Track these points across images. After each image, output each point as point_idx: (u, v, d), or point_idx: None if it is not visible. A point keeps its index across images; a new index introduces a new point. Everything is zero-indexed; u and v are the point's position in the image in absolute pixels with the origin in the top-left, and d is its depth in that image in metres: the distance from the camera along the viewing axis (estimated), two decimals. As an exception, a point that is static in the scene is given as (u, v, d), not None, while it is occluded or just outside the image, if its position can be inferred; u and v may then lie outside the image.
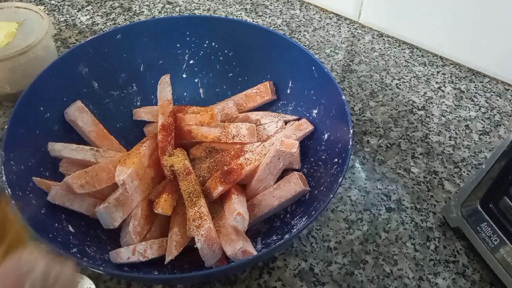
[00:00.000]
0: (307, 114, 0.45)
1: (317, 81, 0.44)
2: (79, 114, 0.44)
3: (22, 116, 0.40)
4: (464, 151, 0.50)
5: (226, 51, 0.50)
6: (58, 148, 0.41)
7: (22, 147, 0.39)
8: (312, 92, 0.45)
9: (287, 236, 0.36)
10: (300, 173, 0.40)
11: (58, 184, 0.39)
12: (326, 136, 0.42)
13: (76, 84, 0.45)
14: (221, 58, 0.50)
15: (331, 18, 0.67)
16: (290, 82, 0.47)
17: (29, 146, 0.40)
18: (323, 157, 0.41)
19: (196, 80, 0.51)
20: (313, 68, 0.43)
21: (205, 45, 0.50)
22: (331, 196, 0.34)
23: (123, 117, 0.48)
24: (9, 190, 0.35)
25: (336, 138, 0.40)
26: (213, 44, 0.50)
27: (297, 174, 0.40)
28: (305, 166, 0.43)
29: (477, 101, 0.56)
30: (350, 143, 0.37)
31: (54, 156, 0.41)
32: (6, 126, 0.38)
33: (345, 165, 0.36)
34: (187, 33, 0.49)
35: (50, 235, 0.35)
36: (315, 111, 0.45)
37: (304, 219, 0.37)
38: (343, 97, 0.40)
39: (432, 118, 0.54)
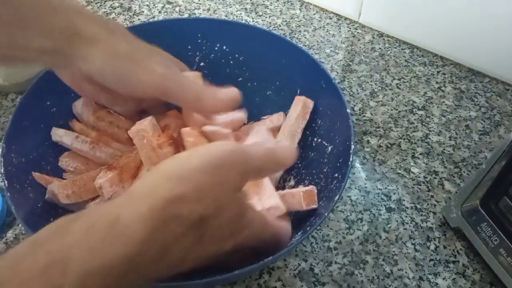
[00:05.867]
0: (313, 124, 0.45)
1: (324, 92, 0.43)
2: (86, 108, 0.44)
3: (28, 109, 0.40)
4: (464, 151, 0.50)
5: (236, 55, 0.49)
6: (60, 134, 0.41)
7: (25, 140, 0.39)
8: (319, 102, 0.44)
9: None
10: (309, 188, 0.38)
11: (58, 180, 0.39)
12: (329, 148, 0.42)
13: None
14: (231, 62, 0.49)
15: (331, 18, 0.67)
16: (299, 90, 0.46)
17: (32, 140, 0.40)
18: (325, 170, 0.41)
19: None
20: (322, 78, 0.43)
21: (216, 48, 0.49)
22: (326, 214, 0.34)
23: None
24: (6, 182, 0.35)
25: (339, 152, 0.40)
26: (224, 47, 0.49)
27: (302, 192, 0.38)
28: (307, 178, 0.43)
29: (477, 101, 0.56)
30: (351, 159, 0.36)
31: (56, 141, 0.41)
32: (9, 118, 0.38)
33: (344, 182, 0.35)
34: (199, 35, 0.49)
35: None
36: (320, 122, 0.44)
37: (299, 233, 0.36)
38: (348, 110, 0.39)
39: (432, 118, 0.54)
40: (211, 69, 0.50)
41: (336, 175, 0.38)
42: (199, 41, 0.49)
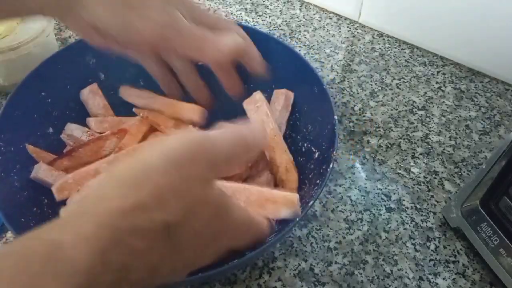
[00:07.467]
0: (304, 130, 0.45)
1: (316, 98, 0.43)
2: (92, 96, 0.45)
3: (21, 99, 0.40)
4: (464, 151, 0.50)
5: None
6: (72, 128, 0.44)
7: (16, 130, 0.39)
8: (311, 107, 0.44)
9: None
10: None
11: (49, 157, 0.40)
12: (316, 154, 0.42)
13: (82, 74, 0.46)
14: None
15: (331, 18, 0.67)
16: (293, 94, 0.46)
17: (23, 129, 0.40)
18: (310, 176, 0.41)
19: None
20: (314, 83, 0.43)
21: None
22: (296, 219, 0.33)
23: (129, 110, 0.48)
24: None
25: (324, 158, 0.40)
26: None
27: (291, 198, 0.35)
28: None
29: (477, 101, 0.56)
30: (331, 166, 0.36)
31: (67, 134, 0.43)
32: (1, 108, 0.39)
33: (321, 188, 0.35)
34: None
35: (23, 219, 0.35)
36: (310, 127, 0.44)
37: (278, 235, 0.35)
38: (335, 116, 0.39)
39: (432, 118, 0.54)
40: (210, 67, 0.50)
41: (318, 181, 0.37)
42: None
